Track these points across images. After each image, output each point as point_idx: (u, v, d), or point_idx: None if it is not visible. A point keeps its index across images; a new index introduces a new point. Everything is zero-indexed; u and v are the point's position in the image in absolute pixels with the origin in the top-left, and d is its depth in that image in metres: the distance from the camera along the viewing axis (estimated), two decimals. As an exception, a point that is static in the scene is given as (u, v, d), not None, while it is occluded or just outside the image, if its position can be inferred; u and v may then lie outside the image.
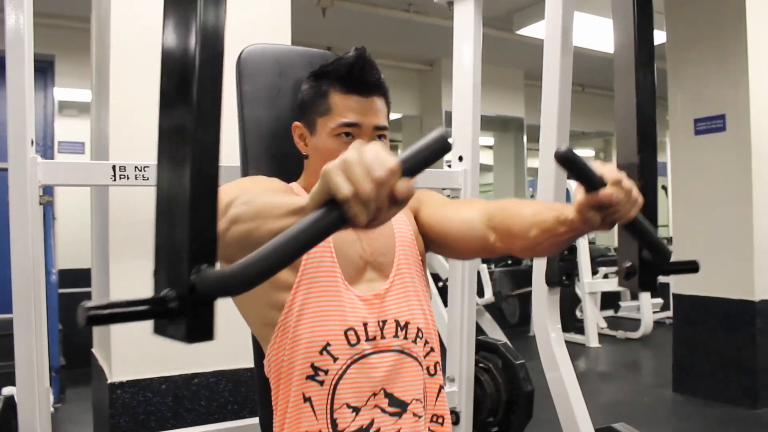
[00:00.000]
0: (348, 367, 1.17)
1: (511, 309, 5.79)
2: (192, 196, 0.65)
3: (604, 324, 6.29)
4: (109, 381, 2.08)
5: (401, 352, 1.22)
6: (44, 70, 5.12)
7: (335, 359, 1.17)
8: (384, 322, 1.22)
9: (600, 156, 10.00)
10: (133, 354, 2.11)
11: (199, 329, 0.64)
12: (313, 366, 1.17)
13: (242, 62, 1.57)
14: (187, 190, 0.66)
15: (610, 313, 6.66)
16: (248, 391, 2.28)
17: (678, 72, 4.22)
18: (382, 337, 1.21)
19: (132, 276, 2.07)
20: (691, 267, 1.27)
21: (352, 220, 0.67)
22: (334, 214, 0.67)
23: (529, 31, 5.18)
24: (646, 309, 5.93)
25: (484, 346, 2.21)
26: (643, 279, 1.25)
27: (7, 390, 3.89)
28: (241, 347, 2.12)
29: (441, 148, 0.69)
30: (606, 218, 0.92)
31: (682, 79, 4.19)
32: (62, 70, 5.15)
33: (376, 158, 0.67)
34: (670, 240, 6.26)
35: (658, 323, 6.37)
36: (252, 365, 2.23)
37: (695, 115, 4.06)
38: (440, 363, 1.30)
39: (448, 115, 6.61)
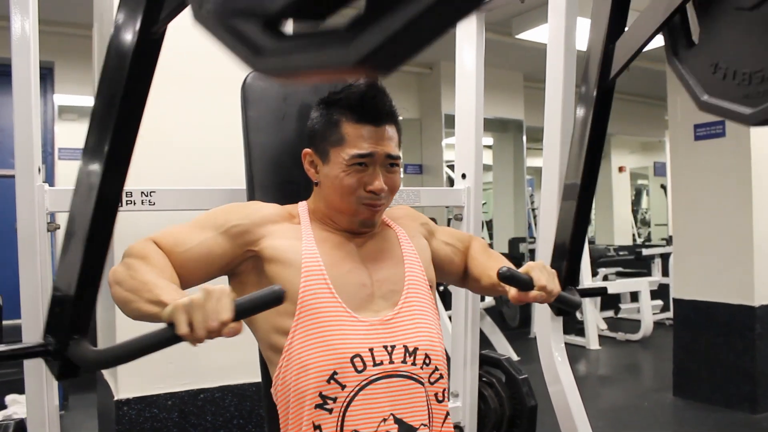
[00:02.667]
0: (356, 393, 1.18)
1: (511, 312, 5.81)
2: (80, 280, 0.92)
3: (604, 326, 6.31)
4: (115, 398, 2.10)
5: (409, 377, 1.23)
6: (44, 76, 5.12)
7: (343, 387, 1.18)
8: (393, 347, 1.23)
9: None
10: (140, 370, 2.12)
11: (65, 373, 0.96)
12: (321, 395, 1.18)
13: (247, 87, 1.58)
14: (77, 275, 0.93)
15: (610, 314, 6.68)
16: (253, 405, 2.30)
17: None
18: (391, 361, 1.21)
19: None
20: (598, 292, 1.77)
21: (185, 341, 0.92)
22: (171, 335, 0.92)
23: (528, 35, 5.19)
24: (646, 311, 5.95)
25: (487, 361, 2.22)
26: (559, 312, 1.69)
27: (10, 398, 3.91)
28: (246, 362, 2.14)
29: (273, 300, 0.93)
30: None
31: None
32: (62, 76, 5.15)
33: (214, 310, 0.91)
34: (670, 240, 6.28)
35: (657, 324, 6.39)
36: (256, 380, 2.26)
37: (695, 121, 4.07)
38: (448, 389, 1.31)
39: (447, 117, 6.65)
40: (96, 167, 0.97)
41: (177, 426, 2.18)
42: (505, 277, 1.21)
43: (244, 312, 0.93)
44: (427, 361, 1.26)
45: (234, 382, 2.26)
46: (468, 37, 2.04)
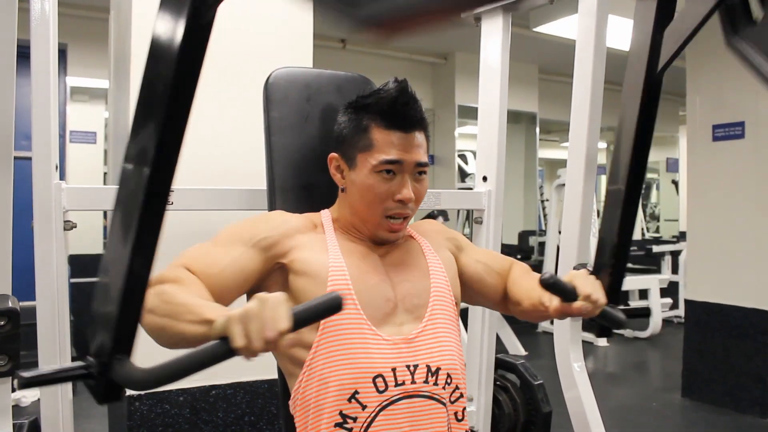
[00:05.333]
0: (377, 414, 1.16)
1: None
2: (123, 294, 0.83)
3: (612, 322, 6.27)
4: (127, 393, 2.09)
5: (430, 397, 1.21)
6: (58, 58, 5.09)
7: (364, 407, 1.16)
8: (415, 366, 1.20)
9: (610, 148, 9.94)
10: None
11: (109, 396, 0.87)
12: (341, 414, 1.16)
13: (269, 87, 1.54)
14: (121, 286, 0.83)
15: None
16: (265, 402, 2.28)
17: (697, 76, 4.16)
18: (413, 381, 1.19)
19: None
20: (642, 313, 1.52)
21: (240, 355, 0.87)
22: (226, 349, 0.85)
23: (546, 28, 5.12)
24: (656, 308, 5.91)
25: (502, 365, 2.20)
26: (601, 331, 1.44)
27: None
28: (258, 360, 2.12)
29: (331, 308, 0.87)
30: (574, 316, 1.18)
31: (700, 83, 4.14)
32: (74, 58, 5.12)
33: (271, 319, 0.84)
34: (683, 235, 6.20)
35: (666, 322, 6.36)
36: (267, 377, 2.25)
37: (714, 122, 4.02)
38: (467, 408, 1.29)
39: (461, 108, 6.59)
40: (143, 171, 0.85)
41: (188, 422, 2.17)
42: (548, 284, 1.11)
43: (302, 321, 0.88)
44: (449, 380, 1.24)
45: (246, 379, 2.25)
46: (493, 38, 2.00)
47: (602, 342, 5.75)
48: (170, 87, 0.81)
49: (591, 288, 1.15)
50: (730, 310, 3.95)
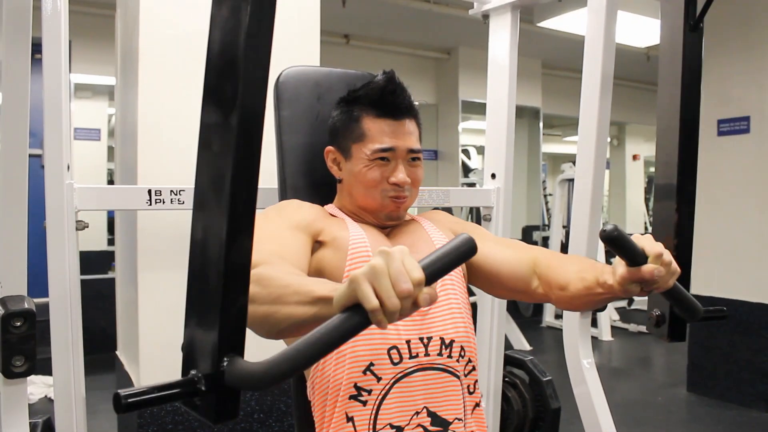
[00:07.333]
0: (392, 386, 1.17)
1: (525, 302, 5.80)
2: (225, 286, 0.68)
3: (616, 317, 6.29)
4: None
5: (444, 370, 1.22)
6: (61, 55, 5.09)
7: (379, 379, 1.17)
8: (429, 338, 1.22)
9: (614, 143, 9.94)
10: (162, 363, 2.11)
11: (225, 412, 0.68)
12: (356, 386, 1.17)
13: (280, 86, 1.54)
14: (221, 283, 0.68)
15: (622, 304, 6.65)
16: (274, 399, 2.29)
17: (702, 70, 4.14)
18: (426, 354, 1.20)
19: (160, 285, 2.07)
20: (720, 315, 1.32)
21: (376, 324, 0.71)
22: (358, 319, 0.70)
23: (550, 23, 5.12)
24: (660, 303, 5.90)
25: (511, 361, 2.20)
26: (673, 329, 1.35)
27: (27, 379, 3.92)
28: (266, 355, 2.13)
29: (466, 253, 0.72)
30: (645, 288, 0.99)
31: (706, 78, 4.10)
32: (78, 55, 5.11)
33: (401, 270, 0.70)
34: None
35: (670, 316, 6.35)
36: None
37: (719, 116, 4.01)
38: (478, 380, 1.30)
39: (465, 104, 6.59)
40: (225, 152, 0.69)
41: (198, 419, 2.17)
42: (611, 237, 0.89)
43: (435, 271, 0.72)
44: (462, 353, 1.25)
45: (255, 376, 2.26)
46: (501, 35, 2.00)
47: (607, 336, 5.75)
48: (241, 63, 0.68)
49: (661, 248, 0.97)
50: (736, 305, 3.95)
